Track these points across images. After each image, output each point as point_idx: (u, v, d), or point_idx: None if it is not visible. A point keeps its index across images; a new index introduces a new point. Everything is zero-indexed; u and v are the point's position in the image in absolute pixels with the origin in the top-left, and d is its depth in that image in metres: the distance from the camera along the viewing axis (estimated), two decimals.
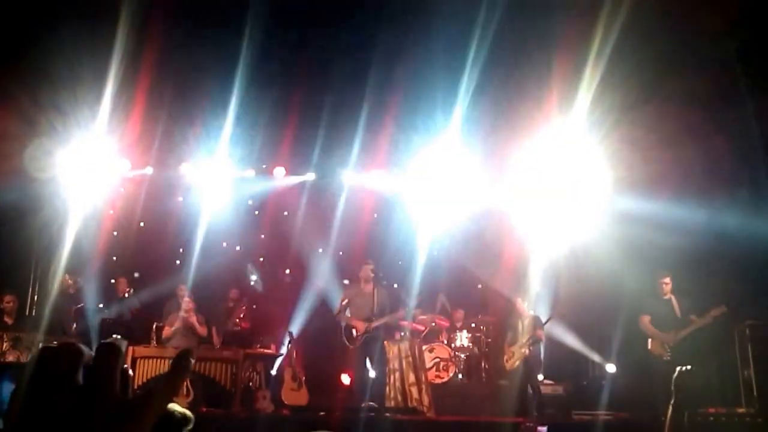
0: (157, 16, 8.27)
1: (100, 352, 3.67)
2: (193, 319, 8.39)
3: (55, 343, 5.27)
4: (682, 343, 7.68)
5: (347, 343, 8.07)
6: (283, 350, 9.25)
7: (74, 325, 8.46)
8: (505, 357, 8.32)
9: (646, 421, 7.24)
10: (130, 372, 4.15)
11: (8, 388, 3.31)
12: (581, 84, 8.57)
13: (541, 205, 10.25)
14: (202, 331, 8.49)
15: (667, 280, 7.88)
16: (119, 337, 7.29)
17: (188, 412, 3.83)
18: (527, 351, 8.19)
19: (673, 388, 5.79)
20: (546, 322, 8.41)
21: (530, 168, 10.15)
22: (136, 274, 10.14)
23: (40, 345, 7.40)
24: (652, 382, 7.76)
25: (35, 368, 3.29)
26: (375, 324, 8.02)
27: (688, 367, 5.92)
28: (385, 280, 8.77)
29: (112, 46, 8.27)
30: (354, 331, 8.04)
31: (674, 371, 6.05)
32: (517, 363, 8.18)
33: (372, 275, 8.19)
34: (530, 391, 8.17)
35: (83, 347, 3.59)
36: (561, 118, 9.10)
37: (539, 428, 6.68)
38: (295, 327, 9.76)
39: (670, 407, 5.63)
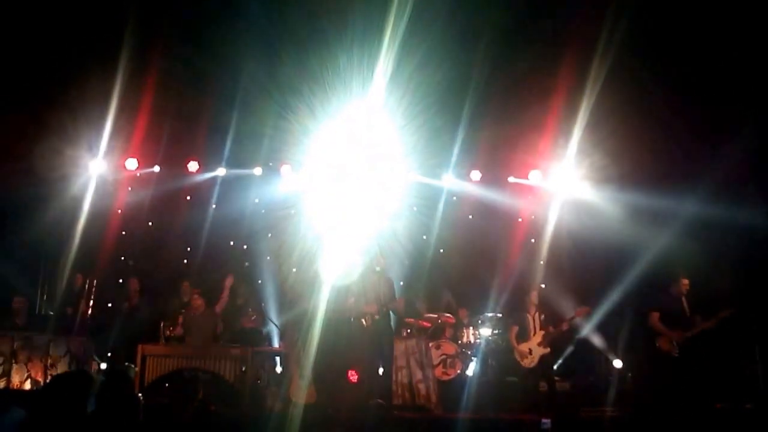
0: (164, 14, 8.29)
1: (109, 379, 3.74)
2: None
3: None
4: (690, 341, 7.68)
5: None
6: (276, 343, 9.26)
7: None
8: (518, 354, 8.20)
9: (652, 418, 7.24)
10: (141, 398, 4.22)
11: (17, 414, 3.35)
12: (588, 78, 8.54)
13: (542, 200, 10.25)
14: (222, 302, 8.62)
15: (687, 281, 7.88)
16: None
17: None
18: (546, 350, 8.17)
19: None
20: (560, 326, 8.37)
21: (534, 162, 10.14)
22: (131, 262, 10.17)
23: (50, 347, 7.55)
24: (660, 379, 7.77)
25: (45, 396, 3.33)
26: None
27: None
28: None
29: (120, 45, 8.30)
30: (363, 321, 8.01)
31: (683, 369, 5.95)
32: (536, 361, 8.15)
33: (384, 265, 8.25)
34: (545, 387, 8.16)
35: (93, 374, 3.66)
36: (567, 112, 9.07)
37: (543, 420, 6.65)
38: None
39: None
